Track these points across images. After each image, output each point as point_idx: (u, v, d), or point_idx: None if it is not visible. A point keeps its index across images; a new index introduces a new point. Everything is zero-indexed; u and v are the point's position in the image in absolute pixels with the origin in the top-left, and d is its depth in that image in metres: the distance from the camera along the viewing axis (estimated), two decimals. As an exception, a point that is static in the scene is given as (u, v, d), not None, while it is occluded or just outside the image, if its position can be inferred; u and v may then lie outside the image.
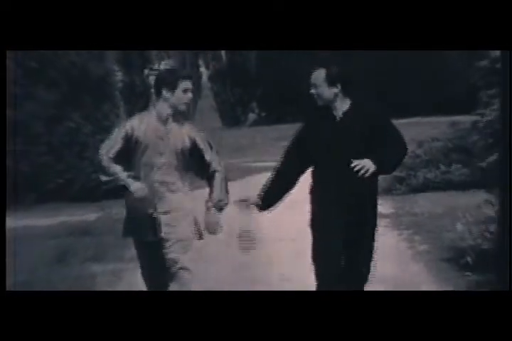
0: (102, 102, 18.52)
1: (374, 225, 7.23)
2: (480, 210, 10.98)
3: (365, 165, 6.85)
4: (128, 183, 7.14)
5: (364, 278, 7.28)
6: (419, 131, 19.30)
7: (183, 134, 7.29)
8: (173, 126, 7.29)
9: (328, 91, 6.93)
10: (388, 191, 16.66)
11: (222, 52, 34.26)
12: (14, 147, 17.48)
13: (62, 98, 17.92)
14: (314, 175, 7.19)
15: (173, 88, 7.19)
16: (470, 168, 13.43)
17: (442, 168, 16.52)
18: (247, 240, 11.71)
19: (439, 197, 15.30)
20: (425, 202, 15.10)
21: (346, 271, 7.15)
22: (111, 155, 7.20)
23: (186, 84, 7.23)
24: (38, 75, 17.97)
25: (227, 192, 7.44)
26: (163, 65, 35.81)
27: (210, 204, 7.37)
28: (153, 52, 29.42)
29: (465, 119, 14.26)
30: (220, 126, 31.80)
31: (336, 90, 6.92)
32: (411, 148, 17.51)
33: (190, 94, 7.25)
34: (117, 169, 7.18)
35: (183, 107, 7.29)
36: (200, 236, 7.34)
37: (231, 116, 34.82)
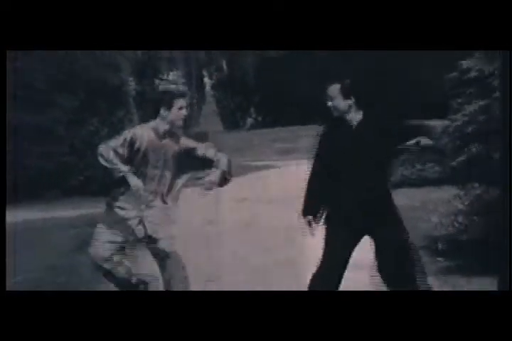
0: (117, 109, 18.59)
1: (395, 226, 7.15)
2: (450, 204, 11.03)
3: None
4: (129, 176, 7.17)
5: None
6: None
7: (176, 148, 7.33)
8: (167, 141, 7.30)
9: (343, 103, 7.00)
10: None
11: (224, 64, 34.22)
12: (41, 149, 17.53)
13: (81, 105, 18.00)
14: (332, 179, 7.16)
15: (169, 107, 7.25)
16: (442, 167, 13.48)
17: (418, 166, 16.63)
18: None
19: (414, 192, 15.40)
20: (402, 197, 15.13)
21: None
22: (114, 147, 7.20)
23: (181, 102, 7.28)
24: (61, 85, 18.00)
25: (230, 170, 7.40)
26: (172, 76, 35.80)
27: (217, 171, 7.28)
28: (163, 64, 29.33)
29: (438, 124, 14.32)
30: (221, 130, 31.84)
31: (350, 102, 6.99)
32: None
33: (184, 111, 7.30)
34: (118, 160, 7.19)
35: (179, 123, 7.32)
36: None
37: (231, 121, 34.90)
